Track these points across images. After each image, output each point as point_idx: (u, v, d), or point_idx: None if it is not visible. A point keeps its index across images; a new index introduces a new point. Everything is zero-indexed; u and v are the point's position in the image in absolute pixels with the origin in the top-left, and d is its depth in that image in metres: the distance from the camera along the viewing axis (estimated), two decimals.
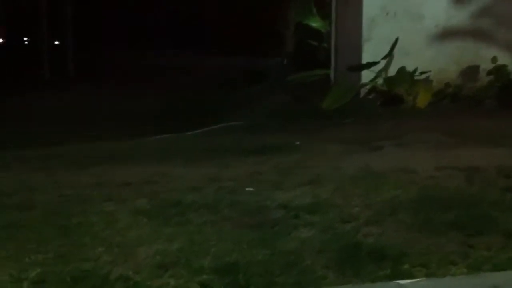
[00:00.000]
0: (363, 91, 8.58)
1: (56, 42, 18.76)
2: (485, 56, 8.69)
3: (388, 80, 8.28)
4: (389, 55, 8.39)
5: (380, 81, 8.43)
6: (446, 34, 8.77)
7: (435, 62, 8.60)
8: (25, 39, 22.43)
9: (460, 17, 8.77)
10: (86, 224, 3.58)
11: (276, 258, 3.04)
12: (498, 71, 8.55)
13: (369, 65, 8.29)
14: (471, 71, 8.79)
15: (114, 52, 18.45)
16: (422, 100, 8.05)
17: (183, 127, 8.00)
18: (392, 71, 8.35)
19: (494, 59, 8.59)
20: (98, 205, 3.98)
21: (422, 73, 8.36)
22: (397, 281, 2.67)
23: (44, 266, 2.95)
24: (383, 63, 8.38)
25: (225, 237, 3.35)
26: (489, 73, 8.61)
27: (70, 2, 17.33)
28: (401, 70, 8.20)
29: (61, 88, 13.88)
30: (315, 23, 11.64)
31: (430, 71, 8.42)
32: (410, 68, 8.27)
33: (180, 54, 18.16)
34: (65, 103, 11.76)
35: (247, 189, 4.30)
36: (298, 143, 6.16)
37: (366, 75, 8.48)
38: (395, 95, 8.22)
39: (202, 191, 4.29)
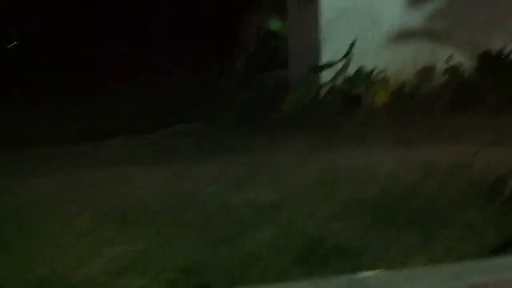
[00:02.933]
0: (322, 92, 8.66)
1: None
2: (441, 56, 8.87)
3: (346, 81, 8.39)
4: (347, 56, 8.49)
5: (338, 82, 8.52)
6: (402, 35, 8.92)
7: (392, 62, 8.73)
8: None
9: (415, 18, 8.93)
10: (47, 227, 3.52)
11: (238, 257, 3.06)
12: (453, 71, 8.74)
13: (327, 66, 8.38)
14: (427, 71, 8.96)
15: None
16: (380, 100, 8.18)
17: (146, 129, 7.84)
18: (350, 72, 8.46)
19: (448, 60, 8.78)
20: (60, 208, 3.93)
21: (379, 73, 8.49)
22: (356, 274, 2.71)
23: (1, 271, 2.90)
24: (340, 64, 8.48)
25: (187, 237, 3.35)
26: (444, 72, 8.79)
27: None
28: (359, 70, 8.32)
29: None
30: (274, 24, 11.72)
31: (385, 71, 8.56)
32: (367, 69, 8.38)
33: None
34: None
35: (207, 190, 4.30)
36: (258, 143, 6.19)
37: (325, 76, 8.56)
38: (353, 96, 8.32)
39: (164, 192, 4.27)
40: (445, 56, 8.80)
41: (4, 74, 11.21)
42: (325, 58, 8.61)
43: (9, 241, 3.25)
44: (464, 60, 8.94)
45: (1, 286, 2.69)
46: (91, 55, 12.97)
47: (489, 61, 8.87)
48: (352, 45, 8.45)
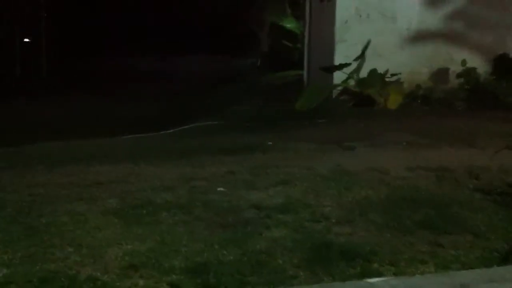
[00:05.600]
0: (335, 92, 8.63)
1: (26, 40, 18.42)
2: (456, 58, 8.81)
3: (360, 82, 8.35)
4: (361, 57, 8.45)
5: (352, 82, 8.49)
6: (418, 37, 8.87)
7: (407, 64, 8.69)
8: None
9: (432, 20, 8.88)
10: (55, 224, 3.54)
11: (247, 258, 3.04)
12: (468, 74, 8.66)
13: (341, 66, 8.34)
14: (441, 74, 8.90)
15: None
16: (393, 101, 8.13)
17: (159, 127, 7.94)
18: (364, 73, 8.42)
19: (463, 62, 8.71)
20: (68, 205, 3.94)
21: (393, 75, 8.44)
22: (367, 280, 2.69)
23: (11, 267, 2.91)
24: (355, 64, 8.44)
25: (196, 237, 3.34)
26: (458, 75, 8.72)
27: (43, 2, 17.09)
28: (373, 72, 8.27)
29: (33, 89, 13.65)
30: (289, 24, 11.70)
31: (400, 73, 8.51)
32: (382, 70, 8.33)
33: (152, 58, 17.96)
34: (37, 104, 11.57)
35: (218, 189, 4.29)
36: (270, 143, 6.17)
37: (339, 77, 8.53)
38: (366, 97, 8.28)
39: (174, 191, 4.26)
40: (461, 58, 8.74)
41: None
42: (339, 59, 8.58)
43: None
44: (479, 62, 8.87)
45: None
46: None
47: (504, 64, 8.80)
48: (366, 46, 8.42)
